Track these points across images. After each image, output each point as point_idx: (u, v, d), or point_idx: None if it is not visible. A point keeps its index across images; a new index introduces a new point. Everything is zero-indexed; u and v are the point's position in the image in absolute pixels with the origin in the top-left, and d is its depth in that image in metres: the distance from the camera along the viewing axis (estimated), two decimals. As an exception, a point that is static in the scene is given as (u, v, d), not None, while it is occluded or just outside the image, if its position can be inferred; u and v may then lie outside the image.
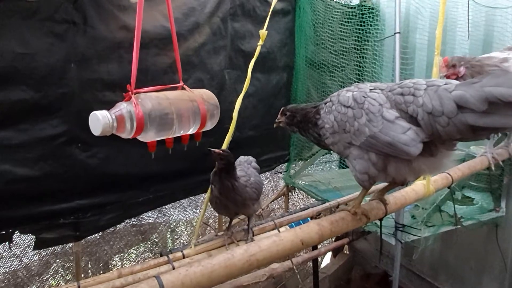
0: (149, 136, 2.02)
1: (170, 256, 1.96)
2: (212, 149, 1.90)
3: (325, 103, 1.47)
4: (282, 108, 1.65)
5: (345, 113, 1.35)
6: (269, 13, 2.16)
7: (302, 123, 1.56)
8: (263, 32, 1.96)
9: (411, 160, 1.25)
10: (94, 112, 1.80)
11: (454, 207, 2.63)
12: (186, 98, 2.22)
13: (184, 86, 2.36)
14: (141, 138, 2.03)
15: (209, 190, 2.03)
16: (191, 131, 2.33)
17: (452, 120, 1.11)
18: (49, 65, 2.15)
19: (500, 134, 2.80)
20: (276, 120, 1.67)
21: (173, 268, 1.83)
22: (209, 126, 2.40)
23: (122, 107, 1.89)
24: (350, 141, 1.35)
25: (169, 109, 2.07)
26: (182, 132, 2.24)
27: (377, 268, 4.17)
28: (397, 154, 1.24)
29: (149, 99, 1.99)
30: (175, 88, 2.35)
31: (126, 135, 1.94)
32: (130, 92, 1.95)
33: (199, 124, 2.29)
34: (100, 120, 1.76)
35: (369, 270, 4.45)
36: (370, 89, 1.34)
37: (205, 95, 2.38)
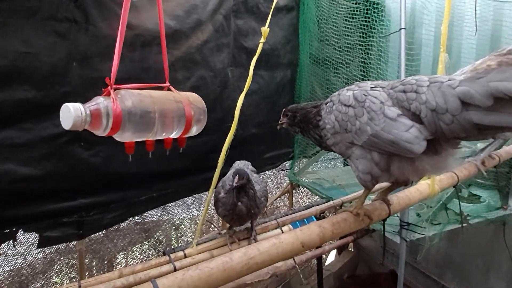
0: (126, 136, 1.89)
1: (172, 255, 1.95)
2: (237, 183, 1.92)
3: (326, 104, 1.45)
4: (284, 109, 1.63)
5: (346, 112, 1.33)
6: (271, 10, 2.14)
7: (303, 123, 1.54)
8: (265, 30, 1.94)
9: (415, 159, 1.22)
10: (66, 104, 1.66)
11: (459, 205, 2.59)
12: (171, 99, 2.10)
13: (170, 87, 2.28)
14: (117, 137, 1.90)
15: (211, 190, 2.02)
16: (174, 134, 2.19)
17: (456, 117, 1.08)
18: (51, 64, 2.14)
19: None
20: (279, 122, 1.66)
21: (175, 268, 1.82)
22: (194, 131, 2.28)
23: (99, 102, 1.75)
24: (352, 141, 1.33)
25: (152, 107, 1.93)
26: (164, 134, 2.12)
27: (383, 266, 4.15)
28: (400, 152, 1.21)
29: (130, 96, 1.86)
30: (161, 88, 2.28)
31: (100, 132, 1.79)
32: (109, 87, 1.82)
33: (183, 128, 2.16)
34: (71, 113, 1.62)
35: (374, 267, 4.42)
36: (371, 87, 1.32)
37: (192, 97, 2.27)
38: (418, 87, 1.18)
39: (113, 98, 1.77)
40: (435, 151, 1.22)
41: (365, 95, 1.30)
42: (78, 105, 1.67)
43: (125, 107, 1.79)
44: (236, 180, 1.92)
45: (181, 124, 2.13)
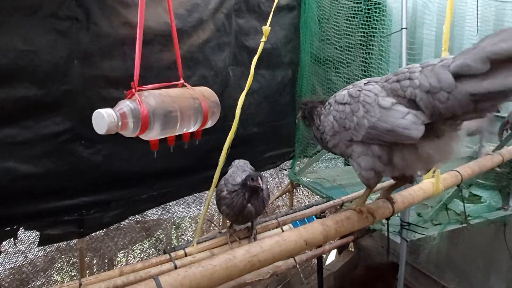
0: (152, 134, 1.99)
1: (172, 254, 1.95)
2: (260, 185, 1.96)
3: (325, 107, 1.46)
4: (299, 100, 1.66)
5: (343, 110, 1.34)
6: (273, 9, 2.13)
7: (309, 119, 1.55)
8: (266, 29, 1.93)
9: (417, 146, 1.21)
10: (98, 110, 1.75)
11: (464, 205, 2.59)
12: (188, 96, 2.20)
13: (185, 83, 2.35)
14: (144, 136, 2.00)
15: (211, 189, 2.02)
16: (193, 129, 2.31)
17: (451, 93, 1.06)
18: (52, 62, 2.14)
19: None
20: (298, 115, 1.68)
21: (175, 267, 1.82)
22: (209, 124, 2.39)
23: (126, 105, 1.85)
24: (351, 138, 1.32)
25: (173, 106, 2.04)
26: (184, 130, 2.22)
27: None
28: (399, 139, 1.20)
29: (153, 97, 1.96)
30: (176, 86, 2.34)
31: (130, 133, 1.89)
32: (133, 90, 1.92)
33: (201, 122, 2.28)
34: (105, 119, 1.71)
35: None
36: (365, 83, 1.33)
37: (206, 92, 2.37)
38: (411, 73, 1.18)
39: (139, 101, 1.86)
40: (436, 135, 1.20)
41: (359, 90, 1.31)
42: (110, 110, 1.76)
43: (150, 108, 1.89)
44: (260, 181, 1.95)
45: (198, 118, 2.25)
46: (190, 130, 2.33)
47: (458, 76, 1.04)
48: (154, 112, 1.91)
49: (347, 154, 1.40)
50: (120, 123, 1.78)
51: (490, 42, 0.98)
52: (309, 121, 1.58)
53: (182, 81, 2.37)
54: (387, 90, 1.25)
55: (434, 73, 1.10)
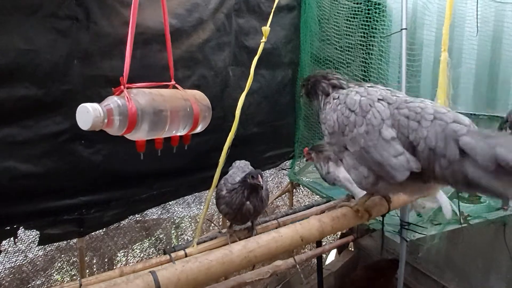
0: (139, 135, 1.91)
1: (172, 254, 1.95)
2: (259, 183, 1.95)
3: (333, 98, 1.44)
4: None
5: (348, 117, 1.33)
6: (273, 9, 2.14)
7: (312, 94, 1.56)
8: (266, 29, 1.94)
9: (401, 183, 1.21)
10: (83, 104, 1.65)
11: (458, 205, 2.59)
12: (179, 97, 2.14)
13: (176, 85, 2.31)
14: (130, 136, 1.91)
15: (211, 189, 2.02)
16: (182, 132, 2.24)
17: (452, 165, 1.06)
18: (52, 61, 2.14)
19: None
20: (302, 93, 1.68)
21: (175, 266, 1.82)
22: (199, 128, 2.32)
23: (114, 101, 1.76)
24: (345, 145, 1.34)
25: (163, 106, 1.95)
26: (174, 132, 2.15)
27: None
28: (382, 174, 1.22)
29: (143, 95, 1.88)
30: (166, 86, 2.31)
31: (115, 131, 1.80)
32: (121, 86, 1.84)
33: (191, 125, 2.21)
34: (90, 113, 1.61)
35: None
36: (379, 99, 1.30)
37: (198, 95, 2.31)
38: (422, 117, 1.17)
39: (127, 97, 1.78)
40: (423, 180, 1.21)
41: (370, 105, 1.29)
42: (96, 105, 1.67)
43: (139, 105, 1.80)
44: (260, 179, 1.95)
45: (189, 121, 2.16)
46: (180, 134, 2.25)
47: (463, 152, 1.03)
48: (142, 111, 1.82)
49: (339, 157, 1.41)
50: (106, 120, 1.68)
51: (507, 145, 0.95)
52: (312, 96, 1.57)
53: (173, 82, 2.31)
54: (395, 120, 1.23)
55: (445, 135, 1.08)
